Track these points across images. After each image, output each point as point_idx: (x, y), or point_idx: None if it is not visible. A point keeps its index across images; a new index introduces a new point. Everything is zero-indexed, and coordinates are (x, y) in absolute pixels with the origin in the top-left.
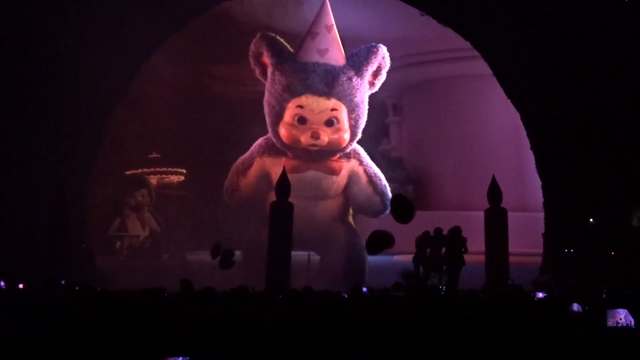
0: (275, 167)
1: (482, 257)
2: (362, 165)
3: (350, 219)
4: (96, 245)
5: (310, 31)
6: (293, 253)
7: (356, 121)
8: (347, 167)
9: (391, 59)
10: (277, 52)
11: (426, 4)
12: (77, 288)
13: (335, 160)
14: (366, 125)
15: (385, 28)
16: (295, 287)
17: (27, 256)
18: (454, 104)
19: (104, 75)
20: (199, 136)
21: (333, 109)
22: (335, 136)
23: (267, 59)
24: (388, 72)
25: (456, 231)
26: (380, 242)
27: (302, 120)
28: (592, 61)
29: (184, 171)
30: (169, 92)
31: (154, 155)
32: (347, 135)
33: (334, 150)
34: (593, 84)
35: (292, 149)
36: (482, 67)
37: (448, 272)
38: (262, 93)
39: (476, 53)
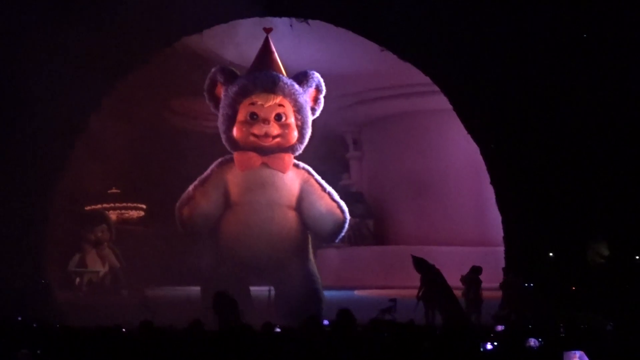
0: (232, 176)
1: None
2: (311, 175)
3: (310, 252)
4: (56, 281)
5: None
6: (253, 288)
7: (302, 123)
8: (297, 174)
9: (350, 93)
10: (231, 74)
11: (386, 40)
12: (34, 325)
13: (286, 155)
14: (326, 160)
15: (344, 63)
16: (255, 322)
17: None
18: (414, 138)
19: (62, 109)
20: (158, 171)
21: (280, 105)
22: (286, 130)
23: (220, 87)
24: (348, 106)
25: (477, 270)
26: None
27: (253, 115)
28: (552, 96)
29: (144, 206)
30: (128, 126)
31: (114, 190)
32: (295, 133)
33: (284, 147)
34: (553, 119)
35: (245, 147)
36: (442, 101)
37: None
38: None
39: (436, 88)
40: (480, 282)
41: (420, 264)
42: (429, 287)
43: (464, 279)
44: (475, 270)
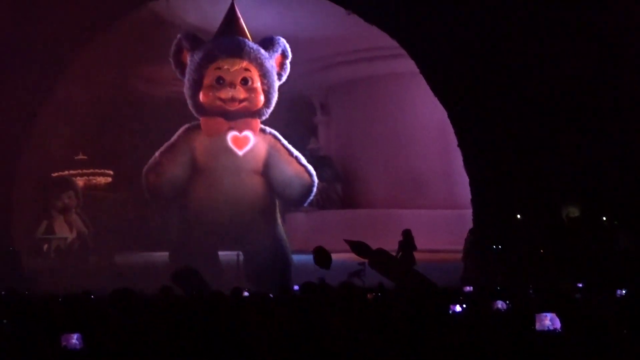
0: (199, 141)
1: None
2: (278, 140)
3: (278, 216)
4: (24, 248)
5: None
6: (221, 253)
7: (269, 87)
8: (264, 139)
9: (317, 58)
10: (196, 40)
11: (352, 3)
12: (2, 293)
13: (253, 120)
14: (294, 125)
15: (310, 27)
16: (224, 288)
17: None
18: (381, 102)
19: (27, 75)
20: (125, 137)
21: (246, 69)
22: (252, 95)
23: (186, 53)
24: (314, 71)
25: (408, 233)
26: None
27: (220, 80)
28: (519, 56)
29: (111, 172)
30: (95, 93)
31: (81, 156)
32: (261, 98)
33: (250, 111)
34: (519, 80)
35: (211, 112)
36: (408, 64)
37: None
38: None
39: (402, 51)
40: (410, 244)
41: (359, 248)
42: (406, 252)
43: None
44: (404, 233)
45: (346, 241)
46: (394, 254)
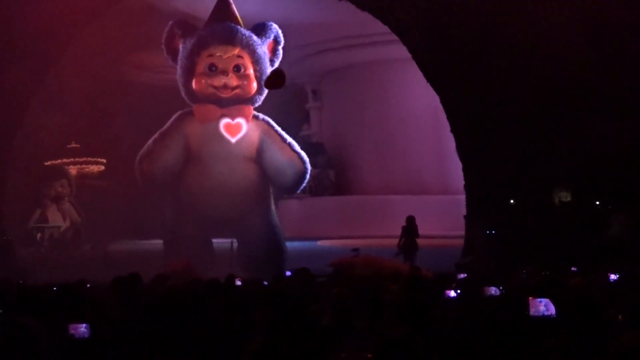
0: (192, 128)
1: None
2: (271, 127)
3: (272, 203)
4: (17, 237)
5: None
6: (215, 240)
7: (261, 74)
8: (257, 126)
9: (309, 44)
10: (188, 27)
11: None
12: None
13: (245, 107)
14: (286, 111)
15: (302, 13)
16: (218, 275)
17: None
18: (374, 88)
19: (20, 64)
20: (118, 125)
21: (239, 56)
22: (245, 82)
23: (178, 39)
24: (307, 57)
25: (412, 219)
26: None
27: (212, 67)
28: (511, 42)
29: (104, 161)
30: (87, 81)
31: (73, 145)
32: (254, 85)
33: (243, 98)
34: (512, 66)
35: (204, 99)
36: (401, 51)
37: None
38: None
39: (394, 37)
40: (413, 230)
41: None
42: (409, 238)
43: (403, 227)
44: (408, 220)
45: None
46: (388, 239)
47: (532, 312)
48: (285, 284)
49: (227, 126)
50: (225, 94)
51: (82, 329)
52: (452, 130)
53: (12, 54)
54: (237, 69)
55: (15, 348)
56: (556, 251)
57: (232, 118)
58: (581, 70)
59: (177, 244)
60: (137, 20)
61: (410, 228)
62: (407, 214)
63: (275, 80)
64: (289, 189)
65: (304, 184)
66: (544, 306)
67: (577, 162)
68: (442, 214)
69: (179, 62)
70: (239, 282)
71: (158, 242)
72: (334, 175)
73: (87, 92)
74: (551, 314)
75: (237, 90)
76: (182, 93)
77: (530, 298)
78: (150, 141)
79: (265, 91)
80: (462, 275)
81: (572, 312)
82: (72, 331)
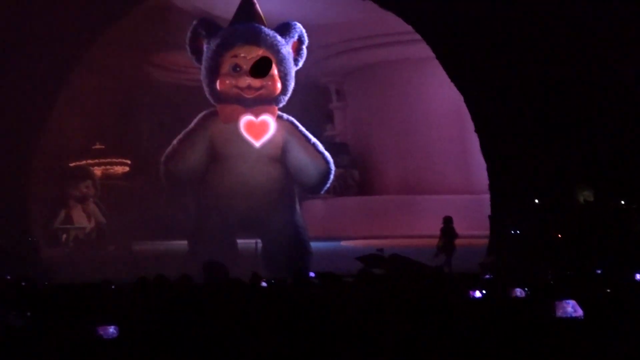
0: (216, 129)
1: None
2: (296, 127)
3: (296, 203)
4: (42, 238)
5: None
6: (240, 240)
7: (285, 74)
8: (282, 126)
9: (332, 43)
10: (212, 27)
11: None
12: (23, 283)
13: (270, 107)
14: (310, 111)
15: (326, 13)
16: (243, 275)
17: None
18: (397, 87)
19: (43, 65)
20: (142, 125)
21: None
22: (269, 82)
23: (202, 40)
24: (330, 57)
25: (449, 220)
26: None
27: (236, 67)
28: (536, 41)
29: (129, 162)
30: (111, 81)
31: (98, 146)
32: (278, 85)
33: (268, 98)
34: (536, 64)
35: (228, 100)
36: (424, 50)
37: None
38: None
39: (418, 36)
40: (451, 230)
41: (372, 261)
42: (447, 238)
43: (440, 229)
44: (445, 220)
45: (358, 259)
46: (412, 239)
47: (559, 313)
48: (308, 285)
49: (251, 125)
50: (249, 95)
51: (111, 330)
52: (476, 130)
53: (36, 56)
54: None
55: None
56: (581, 251)
57: (256, 117)
58: (609, 69)
59: (201, 244)
60: (160, 21)
61: (447, 229)
62: (431, 214)
63: (258, 69)
64: (313, 189)
65: (328, 184)
66: (571, 307)
67: (603, 160)
68: (466, 214)
69: (203, 63)
70: (264, 284)
71: (182, 243)
72: (358, 175)
73: (111, 93)
74: (579, 316)
75: (261, 91)
76: (206, 93)
77: (556, 300)
78: (174, 141)
79: (290, 91)
80: (487, 276)
81: (599, 313)
82: (101, 332)
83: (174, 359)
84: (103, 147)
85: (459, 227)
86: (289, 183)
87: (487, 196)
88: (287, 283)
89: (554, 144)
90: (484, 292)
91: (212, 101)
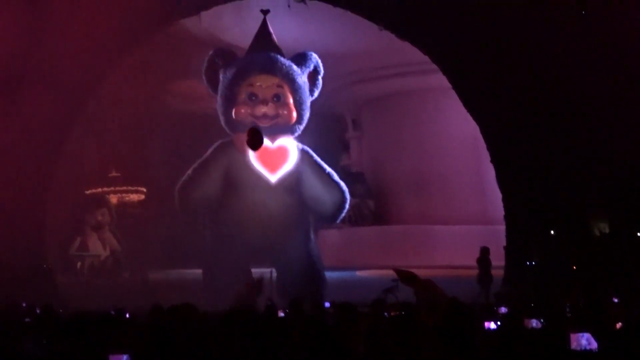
0: (232, 158)
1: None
2: (310, 156)
3: (311, 233)
4: (57, 265)
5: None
6: (255, 270)
7: (301, 103)
8: (297, 154)
9: (349, 73)
10: (229, 56)
11: (384, 19)
12: (38, 310)
13: (285, 136)
14: (326, 141)
15: (342, 43)
16: (257, 305)
17: None
18: (413, 117)
19: (60, 93)
20: (158, 153)
21: (279, 85)
22: (284, 111)
23: (219, 69)
24: (346, 86)
25: (486, 250)
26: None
27: (252, 96)
28: (553, 73)
29: (144, 189)
30: (127, 109)
31: (114, 174)
32: (294, 114)
33: (283, 127)
34: (552, 96)
35: (244, 128)
36: (440, 80)
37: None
38: None
39: (434, 66)
40: (487, 261)
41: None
42: (483, 269)
43: (477, 260)
44: (482, 251)
45: (395, 270)
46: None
47: (573, 345)
48: (324, 315)
49: (267, 154)
50: (265, 123)
51: (124, 359)
52: (492, 160)
53: (53, 84)
54: (277, 98)
55: None
56: (597, 282)
57: (272, 146)
58: (628, 104)
59: (216, 273)
60: (176, 49)
61: (484, 259)
62: (447, 244)
63: (254, 141)
64: (329, 218)
65: (343, 214)
66: (585, 340)
67: (619, 192)
68: (482, 244)
69: (219, 92)
70: (281, 314)
71: (197, 272)
72: (374, 204)
73: (127, 121)
74: (593, 348)
75: (276, 120)
76: (222, 122)
77: (572, 332)
78: (190, 170)
79: (305, 121)
80: (503, 309)
81: (615, 346)
82: None
83: None
84: (119, 175)
85: (474, 257)
86: (304, 212)
87: (503, 227)
88: (304, 313)
89: (570, 176)
90: (498, 323)
91: (227, 130)
